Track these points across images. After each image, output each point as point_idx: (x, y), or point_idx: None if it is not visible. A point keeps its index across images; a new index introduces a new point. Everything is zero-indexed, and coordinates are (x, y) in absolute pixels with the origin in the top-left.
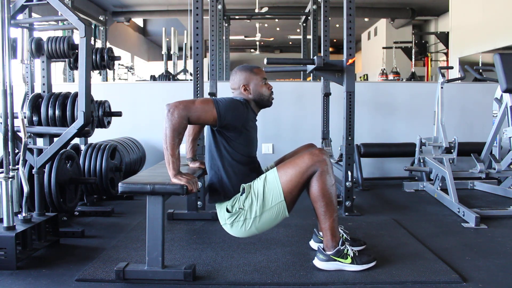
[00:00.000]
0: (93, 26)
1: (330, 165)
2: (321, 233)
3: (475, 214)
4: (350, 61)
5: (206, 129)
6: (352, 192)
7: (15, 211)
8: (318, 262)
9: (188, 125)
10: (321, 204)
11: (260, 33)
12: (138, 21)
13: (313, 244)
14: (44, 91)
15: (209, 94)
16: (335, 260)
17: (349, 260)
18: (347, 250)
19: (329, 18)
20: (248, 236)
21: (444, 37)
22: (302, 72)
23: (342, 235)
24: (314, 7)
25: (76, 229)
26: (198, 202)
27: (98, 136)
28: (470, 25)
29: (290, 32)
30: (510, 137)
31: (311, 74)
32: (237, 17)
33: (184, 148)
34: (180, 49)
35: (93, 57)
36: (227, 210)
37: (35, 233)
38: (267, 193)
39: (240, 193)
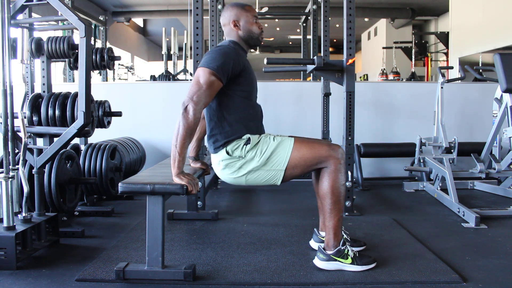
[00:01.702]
0: (93, 26)
1: (344, 164)
2: (321, 233)
3: (475, 214)
4: (350, 61)
5: None
6: (352, 192)
7: (15, 211)
8: (318, 262)
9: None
10: (329, 202)
11: None
12: (138, 21)
13: (313, 244)
14: (44, 91)
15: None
16: (336, 260)
17: (349, 260)
18: (348, 250)
19: (329, 18)
20: (233, 183)
21: (444, 37)
22: (302, 72)
23: (343, 235)
24: (314, 7)
25: (76, 229)
26: (198, 202)
27: (98, 136)
28: (470, 25)
29: (290, 32)
30: (510, 137)
31: (311, 74)
32: None
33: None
34: (180, 49)
35: (93, 57)
36: (227, 152)
37: (35, 233)
38: (274, 155)
39: (244, 142)
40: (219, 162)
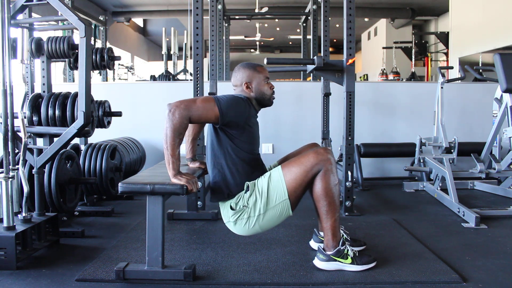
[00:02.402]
0: (93, 26)
1: (335, 165)
2: (321, 233)
3: (475, 214)
4: (350, 61)
5: (207, 127)
6: (352, 192)
7: (15, 211)
8: (318, 262)
9: (189, 125)
10: (324, 204)
11: (260, 33)
12: (138, 21)
13: (313, 244)
14: (44, 91)
15: (209, 93)
16: (335, 260)
17: (349, 260)
18: (347, 250)
19: (329, 18)
20: (251, 234)
21: (444, 37)
22: (302, 72)
23: (343, 235)
24: (314, 7)
25: (76, 229)
26: (198, 202)
27: (98, 136)
28: (470, 25)
29: (290, 32)
30: (510, 137)
31: (311, 74)
32: (237, 17)
33: (184, 148)
34: (180, 49)
35: (93, 57)
36: (231, 208)
37: (35, 233)
38: (272, 191)
39: (244, 191)
40: (228, 220)
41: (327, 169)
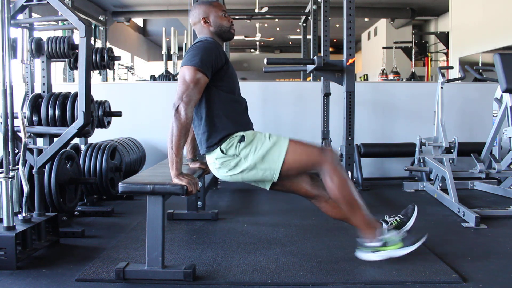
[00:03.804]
0: (93, 26)
1: (339, 164)
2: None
3: (475, 214)
4: (350, 61)
5: None
6: None
7: (15, 211)
8: (365, 255)
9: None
10: (344, 202)
11: (260, 33)
12: (138, 21)
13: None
14: (44, 91)
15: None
16: (381, 251)
17: (396, 245)
18: (390, 236)
19: (329, 18)
20: (231, 181)
21: (444, 37)
22: (302, 72)
23: (395, 220)
24: (314, 7)
25: (76, 229)
26: (198, 202)
27: (98, 136)
28: (470, 25)
29: (290, 32)
30: (510, 137)
31: (311, 74)
32: (237, 17)
33: (185, 149)
34: (180, 49)
35: (93, 57)
36: (221, 151)
37: (35, 233)
38: (269, 154)
39: (238, 139)
40: (214, 161)
41: (332, 169)
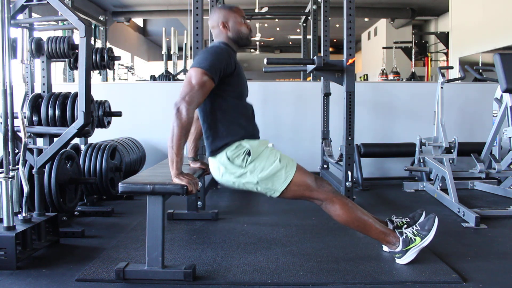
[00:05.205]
0: (93, 26)
1: (335, 191)
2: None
3: (475, 214)
4: (350, 61)
5: None
6: (352, 192)
7: (15, 211)
8: (399, 260)
9: (192, 125)
10: (354, 226)
11: (260, 33)
12: (138, 21)
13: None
14: (44, 91)
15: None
16: (408, 250)
17: (418, 240)
18: (407, 234)
19: (329, 18)
20: (231, 188)
21: (444, 37)
22: (302, 72)
23: (401, 221)
24: (314, 7)
25: (76, 229)
26: (198, 202)
27: (98, 136)
28: (470, 25)
29: (290, 32)
30: (510, 137)
31: (311, 74)
32: None
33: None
34: (180, 49)
35: (93, 57)
36: (227, 157)
37: (35, 233)
38: (274, 177)
39: (245, 151)
40: (218, 166)
41: (331, 202)
